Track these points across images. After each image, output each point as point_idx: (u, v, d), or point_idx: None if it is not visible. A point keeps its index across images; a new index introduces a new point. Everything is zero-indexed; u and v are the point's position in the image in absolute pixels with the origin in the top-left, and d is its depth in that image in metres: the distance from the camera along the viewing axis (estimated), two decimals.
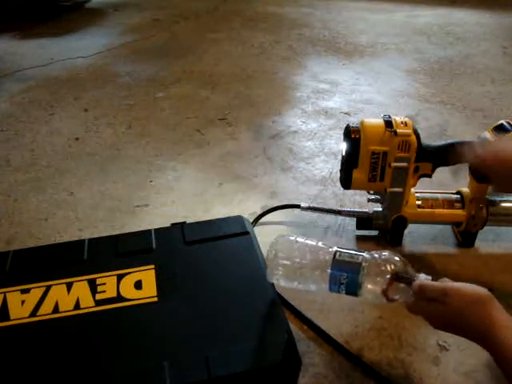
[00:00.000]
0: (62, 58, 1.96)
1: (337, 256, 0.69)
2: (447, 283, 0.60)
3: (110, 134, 1.41)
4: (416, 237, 0.98)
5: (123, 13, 2.60)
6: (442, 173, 0.89)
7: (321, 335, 0.77)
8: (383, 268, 0.66)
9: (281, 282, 0.72)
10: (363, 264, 0.67)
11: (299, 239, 0.73)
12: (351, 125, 0.87)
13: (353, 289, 0.67)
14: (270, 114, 1.51)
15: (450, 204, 0.93)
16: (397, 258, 0.67)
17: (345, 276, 0.67)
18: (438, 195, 0.94)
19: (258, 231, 0.87)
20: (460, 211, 0.92)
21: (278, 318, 0.68)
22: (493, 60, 1.92)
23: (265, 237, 0.91)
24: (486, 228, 0.93)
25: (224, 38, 2.18)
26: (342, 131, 0.89)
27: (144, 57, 2.00)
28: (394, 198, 0.88)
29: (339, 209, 1.00)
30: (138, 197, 1.13)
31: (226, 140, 1.36)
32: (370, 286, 0.66)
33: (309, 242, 0.73)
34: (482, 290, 0.58)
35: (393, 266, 0.66)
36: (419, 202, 0.93)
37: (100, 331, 0.66)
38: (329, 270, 0.68)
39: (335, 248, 0.70)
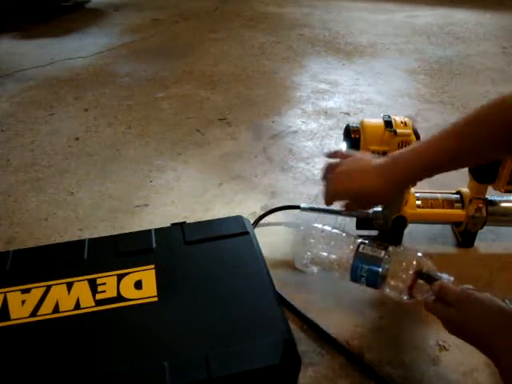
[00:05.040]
0: (62, 58, 1.96)
1: (360, 249, 0.70)
2: (467, 291, 0.58)
3: (110, 133, 1.41)
4: (416, 237, 0.98)
5: (123, 13, 2.60)
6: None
7: (321, 335, 0.77)
8: (405, 264, 0.66)
9: (307, 267, 0.76)
10: (385, 259, 0.68)
11: (326, 227, 0.77)
12: (351, 125, 0.87)
13: (373, 282, 0.69)
14: (270, 114, 1.51)
15: (449, 204, 0.93)
16: (420, 254, 0.67)
17: (366, 269, 0.69)
18: (438, 195, 0.94)
19: (257, 231, 0.87)
20: (460, 211, 0.92)
21: (277, 318, 0.68)
22: (493, 60, 1.92)
23: (265, 237, 0.91)
24: (485, 228, 0.93)
25: (224, 37, 2.18)
26: (342, 131, 0.89)
27: (144, 57, 2.00)
28: (394, 198, 0.88)
29: (339, 209, 1.00)
30: (138, 197, 1.13)
31: (226, 140, 1.36)
32: (392, 282, 0.67)
33: (335, 231, 0.76)
34: (503, 305, 0.55)
35: (415, 263, 0.66)
36: (419, 202, 0.93)
37: (100, 331, 0.66)
38: (351, 262, 0.70)
39: (360, 240, 0.72)
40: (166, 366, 0.60)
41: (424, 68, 1.85)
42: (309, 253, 0.76)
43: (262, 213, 1.04)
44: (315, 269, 0.77)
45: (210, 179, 1.19)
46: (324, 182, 0.77)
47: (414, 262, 0.66)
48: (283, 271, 0.90)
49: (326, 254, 0.74)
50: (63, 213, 1.08)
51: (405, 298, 0.67)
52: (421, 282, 0.65)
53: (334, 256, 0.73)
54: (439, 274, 0.64)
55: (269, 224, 1.03)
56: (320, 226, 0.78)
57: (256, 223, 1.00)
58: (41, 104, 1.60)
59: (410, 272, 0.65)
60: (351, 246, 0.72)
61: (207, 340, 0.64)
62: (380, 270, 0.68)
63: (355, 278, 0.71)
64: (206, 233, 0.82)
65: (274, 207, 1.05)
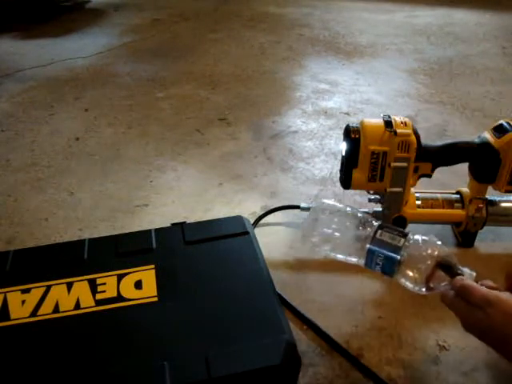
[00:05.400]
0: (62, 59, 1.96)
1: (377, 234, 0.66)
2: (492, 291, 0.56)
3: (110, 133, 1.41)
4: None
5: (123, 13, 2.60)
6: (441, 173, 0.90)
7: (321, 335, 0.77)
8: (425, 253, 0.63)
9: (317, 248, 0.71)
10: (404, 247, 0.64)
11: (342, 207, 0.72)
12: (351, 125, 0.87)
13: (389, 270, 0.65)
14: (270, 114, 1.51)
15: (449, 204, 0.93)
16: (439, 243, 0.64)
17: (382, 257, 0.65)
18: (438, 195, 0.94)
19: (257, 231, 0.87)
20: (460, 211, 0.92)
21: (278, 318, 0.68)
22: (492, 60, 1.92)
23: (265, 237, 0.91)
24: (485, 228, 0.93)
25: (224, 38, 2.18)
26: (342, 131, 0.89)
27: (144, 57, 2.00)
28: (394, 198, 0.88)
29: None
30: (138, 197, 1.13)
31: (226, 140, 1.37)
32: (409, 271, 0.63)
33: (351, 210, 0.71)
34: None
35: (436, 253, 0.62)
36: (419, 202, 0.93)
37: (100, 331, 0.66)
38: (367, 246, 0.66)
39: (378, 223, 0.68)
40: (166, 365, 0.60)
41: (424, 68, 1.85)
42: (320, 229, 0.70)
43: (261, 213, 1.04)
44: (325, 249, 0.71)
45: (210, 179, 1.19)
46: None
47: (436, 253, 0.62)
48: (283, 271, 0.90)
49: (338, 234, 0.69)
50: (63, 213, 1.08)
51: (423, 289, 0.63)
52: (440, 273, 0.61)
53: (347, 238, 0.69)
54: (461, 268, 0.61)
55: (269, 224, 1.03)
56: (336, 205, 0.72)
57: (256, 223, 1.01)
58: (41, 104, 1.60)
59: (430, 262, 0.61)
60: (368, 229, 0.67)
61: (207, 340, 0.64)
62: (398, 258, 0.63)
63: (370, 264, 0.66)
64: (206, 233, 0.82)
65: (273, 207, 1.05)
